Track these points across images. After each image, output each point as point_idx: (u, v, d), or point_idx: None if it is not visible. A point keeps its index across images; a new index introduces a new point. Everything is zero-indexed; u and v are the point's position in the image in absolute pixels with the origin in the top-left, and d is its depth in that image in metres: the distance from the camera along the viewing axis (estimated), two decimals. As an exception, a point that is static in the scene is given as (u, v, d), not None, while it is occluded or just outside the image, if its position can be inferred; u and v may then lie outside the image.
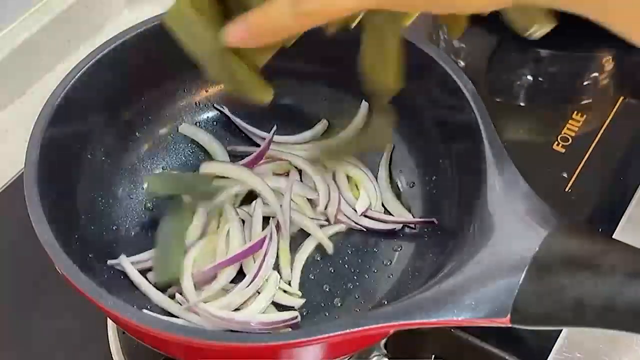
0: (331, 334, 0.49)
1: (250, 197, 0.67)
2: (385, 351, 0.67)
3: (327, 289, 0.64)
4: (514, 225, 0.52)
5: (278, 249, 0.64)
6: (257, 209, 0.65)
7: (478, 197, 0.56)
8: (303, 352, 0.53)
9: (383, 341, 0.67)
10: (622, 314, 0.45)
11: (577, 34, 0.87)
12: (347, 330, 0.49)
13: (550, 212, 0.52)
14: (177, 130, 0.71)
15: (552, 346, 0.66)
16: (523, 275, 0.49)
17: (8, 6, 0.86)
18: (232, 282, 0.62)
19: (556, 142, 0.80)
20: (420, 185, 0.67)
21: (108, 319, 0.70)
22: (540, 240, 0.50)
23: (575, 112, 0.82)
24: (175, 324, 0.52)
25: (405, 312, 0.50)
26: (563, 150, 0.79)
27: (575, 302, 0.46)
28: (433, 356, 0.66)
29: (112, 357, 0.68)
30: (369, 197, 0.67)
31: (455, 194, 0.62)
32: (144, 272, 0.63)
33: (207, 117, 0.72)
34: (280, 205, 0.64)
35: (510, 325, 0.49)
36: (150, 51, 0.65)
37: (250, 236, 0.64)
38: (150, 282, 0.62)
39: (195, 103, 0.71)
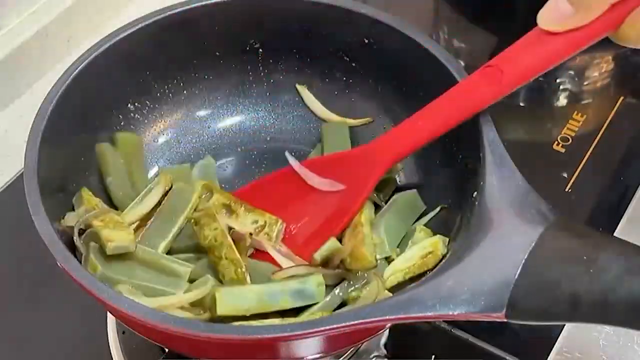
0: (328, 327, 0.49)
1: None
2: (385, 351, 0.67)
3: None
4: (511, 220, 0.52)
5: None
6: None
7: (476, 192, 0.56)
8: (299, 345, 0.53)
9: (383, 341, 0.67)
10: (618, 309, 0.45)
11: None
12: (344, 324, 0.49)
13: (547, 208, 0.52)
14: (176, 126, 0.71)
15: (552, 346, 0.66)
16: (519, 271, 0.49)
17: (8, 6, 0.86)
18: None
19: (556, 142, 0.80)
20: (419, 180, 0.67)
21: (108, 319, 0.70)
22: (536, 235, 0.50)
23: (575, 112, 0.82)
24: (173, 316, 0.52)
25: (401, 306, 0.50)
26: (563, 150, 0.79)
27: (570, 297, 0.47)
28: (433, 356, 0.66)
29: (112, 357, 0.68)
30: None
31: (453, 190, 0.62)
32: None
33: (205, 114, 0.72)
34: None
35: (505, 320, 0.49)
36: (147, 48, 0.65)
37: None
38: None
39: (193, 103, 0.71)
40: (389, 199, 0.66)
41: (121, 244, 0.58)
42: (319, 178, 0.64)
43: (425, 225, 0.64)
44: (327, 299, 0.59)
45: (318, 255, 0.60)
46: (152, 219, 0.62)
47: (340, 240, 0.62)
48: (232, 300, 0.56)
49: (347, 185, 0.63)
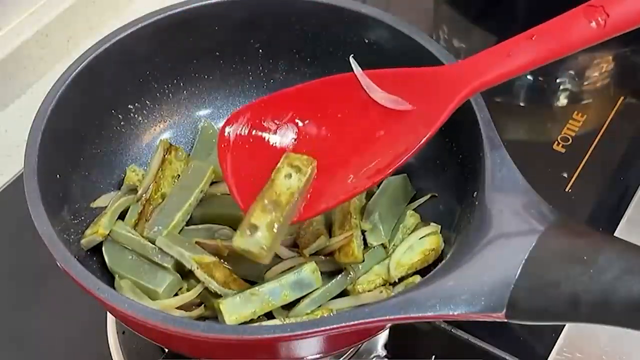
0: (328, 327, 0.49)
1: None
2: (385, 351, 0.67)
3: None
4: (511, 221, 0.52)
5: None
6: None
7: (476, 192, 0.56)
8: (299, 345, 0.53)
9: (383, 341, 0.67)
10: (617, 309, 0.45)
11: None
12: (344, 324, 0.49)
13: (547, 208, 0.52)
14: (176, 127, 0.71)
15: (552, 346, 0.66)
16: (519, 271, 0.49)
17: (8, 6, 0.86)
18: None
19: (556, 142, 0.80)
20: (419, 180, 0.67)
21: (108, 319, 0.70)
22: (536, 236, 0.50)
23: (575, 112, 0.82)
24: (173, 316, 0.52)
25: (401, 307, 0.50)
26: (563, 150, 0.79)
27: (570, 298, 0.46)
28: (433, 356, 0.66)
29: (112, 357, 0.68)
30: None
31: (453, 189, 0.62)
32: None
33: (205, 114, 0.72)
34: None
35: (505, 321, 0.49)
36: (147, 48, 0.65)
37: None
38: None
39: (193, 103, 0.71)
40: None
41: (90, 237, 0.61)
42: (384, 92, 0.57)
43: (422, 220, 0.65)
44: (327, 286, 0.60)
45: (307, 252, 0.61)
46: (169, 195, 0.65)
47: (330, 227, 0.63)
48: (236, 308, 0.57)
49: (416, 106, 0.56)
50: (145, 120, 0.69)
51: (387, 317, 0.50)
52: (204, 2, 0.66)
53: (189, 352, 0.59)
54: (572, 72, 0.86)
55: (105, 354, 0.68)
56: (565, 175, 0.77)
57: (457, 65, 0.57)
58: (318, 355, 0.57)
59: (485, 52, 0.55)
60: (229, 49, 0.69)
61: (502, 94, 0.85)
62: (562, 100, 0.85)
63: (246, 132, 0.59)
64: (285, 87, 0.70)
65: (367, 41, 0.66)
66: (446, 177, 0.64)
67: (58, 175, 0.60)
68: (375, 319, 0.50)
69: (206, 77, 0.70)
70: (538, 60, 0.54)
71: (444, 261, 0.55)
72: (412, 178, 0.67)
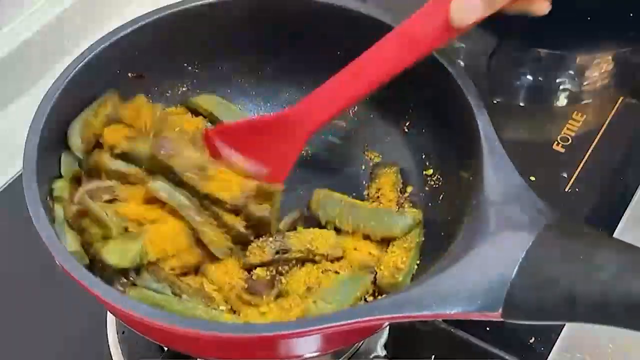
0: (326, 326, 0.49)
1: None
2: (385, 351, 0.67)
3: None
4: (509, 220, 0.52)
5: None
6: None
7: (473, 191, 0.56)
8: (297, 343, 0.53)
9: (383, 341, 0.67)
10: (615, 309, 0.45)
11: (577, 34, 0.87)
12: (341, 322, 0.49)
13: (545, 207, 0.52)
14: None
15: (552, 346, 0.66)
16: (516, 270, 0.49)
17: (7, 6, 0.86)
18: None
19: (556, 142, 0.80)
20: (417, 179, 0.67)
21: (108, 319, 0.70)
22: (534, 235, 0.50)
23: (575, 112, 0.82)
24: (172, 315, 0.53)
25: (399, 305, 0.50)
26: (563, 150, 0.79)
27: (567, 297, 0.47)
28: (433, 356, 0.67)
29: (112, 357, 0.68)
30: None
31: (451, 189, 0.62)
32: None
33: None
34: None
35: (502, 320, 0.49)
36: (147, 47, 0.65)
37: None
38: None
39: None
40: None
41: None
42: (241, 157, 0.63)
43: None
44: None
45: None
46: None
47: None
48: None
49: (267, 166, 0.62)
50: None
51: (384, 316, 0.50)
52: (203, 2, 0.66)
53: (188, 351, 0.59)
54: (571, 72, 0.86)
55: (105, 354, 0.68)
56: (565, 175, 0.77)
57: (296, 111, 0.62)
58: (316, 353, 0.57)
59: (314, 94, 0.61)
60: (229, 49, 0.69)
61: (502, 94, 0.85)
62: (562, 100, 0.85)
63: None
64: (285, 87, 0.71)
65: (367, 41, 0.66)
66: (444, 176, 0.64)
67: (58, 176, 0.60)
68: (372, 318, 0.50)
69: (206, 75, 0.70)
70: (361, 93, 0.61)
71: (441, 260, 0.55)
72: (411, 176, 0.67)
